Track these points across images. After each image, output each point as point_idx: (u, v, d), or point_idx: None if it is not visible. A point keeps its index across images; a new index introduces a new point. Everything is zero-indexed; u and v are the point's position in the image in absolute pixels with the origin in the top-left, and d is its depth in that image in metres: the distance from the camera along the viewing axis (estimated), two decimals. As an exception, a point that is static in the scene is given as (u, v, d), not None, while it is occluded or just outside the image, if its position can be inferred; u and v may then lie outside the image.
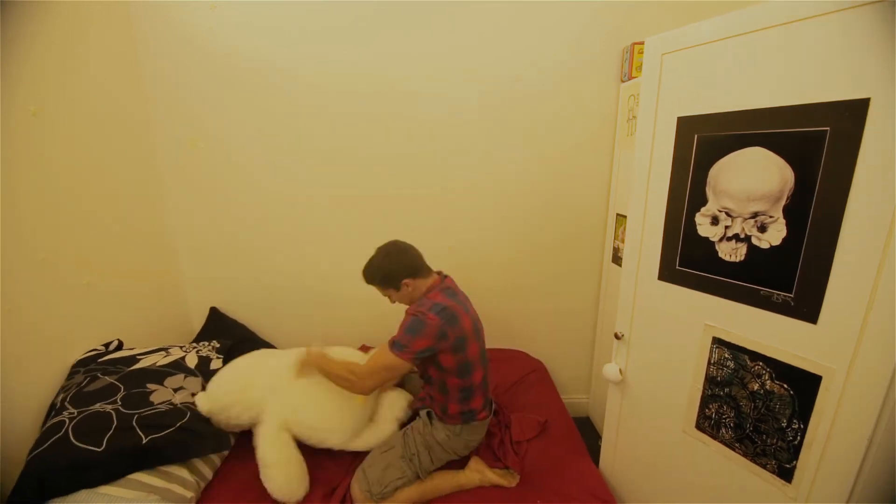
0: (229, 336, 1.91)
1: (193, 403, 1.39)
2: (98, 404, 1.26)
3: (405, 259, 1.45)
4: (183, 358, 1.58)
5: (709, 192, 1.14)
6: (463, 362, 1.39)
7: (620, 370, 1.49)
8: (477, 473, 1.45)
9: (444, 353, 1.36)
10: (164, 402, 1.34)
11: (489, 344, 2.20)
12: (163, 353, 1.58)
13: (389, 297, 1.50)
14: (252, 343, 2.05)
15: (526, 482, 1.44)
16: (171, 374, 1.47)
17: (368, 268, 1.47)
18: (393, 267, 1.43)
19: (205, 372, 1.58)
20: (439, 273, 1.54)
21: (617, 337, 1.48)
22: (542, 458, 1.53)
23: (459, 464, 1.50)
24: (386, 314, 2.14)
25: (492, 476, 1.44)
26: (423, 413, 1.51)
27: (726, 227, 1.12)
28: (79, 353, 1.46)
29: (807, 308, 1.00)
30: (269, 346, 2.10)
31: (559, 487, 1.41)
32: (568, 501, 1.35)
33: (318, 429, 1.45)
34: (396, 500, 1.35)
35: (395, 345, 1.33)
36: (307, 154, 1.95)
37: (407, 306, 1.45)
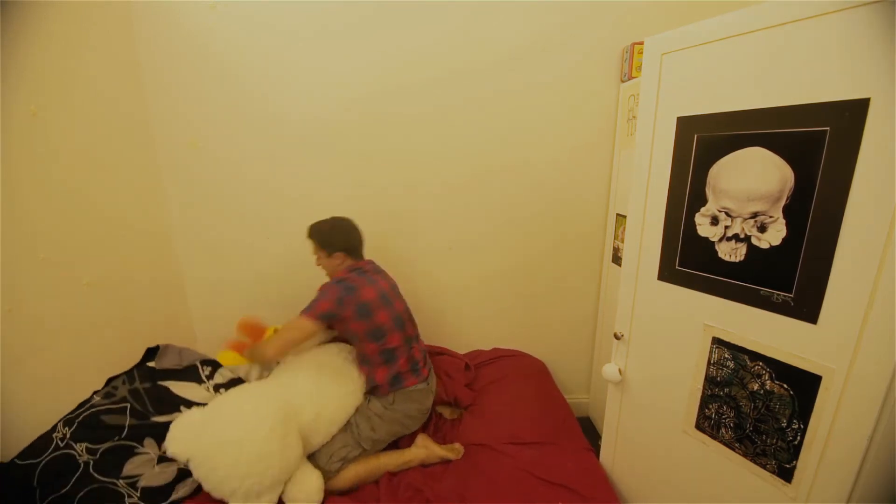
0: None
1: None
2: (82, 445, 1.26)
3: (349, 237, 1.68)
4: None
5: (708, 192, 1.14)
6: (373, 327, 1.57)
7: (620, 370, 1.49)
8: (423, 449, 1.59)
9: (349, 319, 1.55)
10: (132, 477, 1.27)
11: (489, 344, 2.23)
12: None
13: (317, 259, 1.70)
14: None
15: (531, 480, 1.44)
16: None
17: (317, 226, 1.68)
18: (336, 238, 1.66)
19: None
20: (368, 261, 1.76)
21: (616, 337, 1.48)
22: (547, 455, 1.53)
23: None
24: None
25: (438, 450, 1.58)
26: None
27: (726, 227, 1.12)
28: (80, 354, 1.46)
29: (807, 308, 1.00)
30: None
31: (566, 485, 1.41)
32: (581, 502, 1.35)
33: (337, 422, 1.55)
34: (345, 474, 1.48)
35: (304, 309, 1.53)
36: (307, 153, 1.95)
37: (327, 276, 1.70)
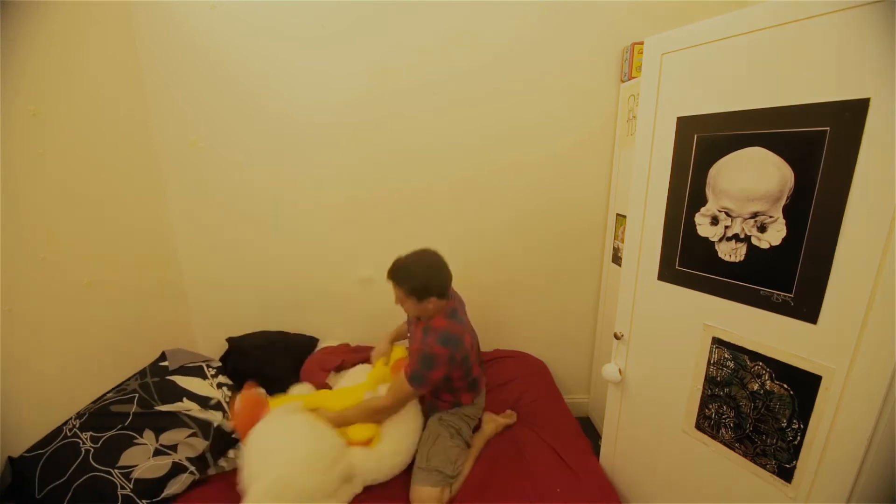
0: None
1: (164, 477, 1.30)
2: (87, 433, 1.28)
3: (443, 278, 1.46)
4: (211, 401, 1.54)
5: (708, 192, 1.14)
6: (467, 369, 1.53)
7: (620, 370, 1.49)
8: (492, 423, 1.68)
9: (453, 372, 1.48)
10: (127, 468, 1.26)
11: (490, 345, 2.23)
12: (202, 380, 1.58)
13: (401, 301, 1.47)
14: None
15: (531, 479, 1.44)
16: (177, 427, 1.38)
17: (405, 269, 1.43)
18: (432, 283, 1.42)
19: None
20: (452, 291, 1.58)
21: (616, 337, 1.48)
22: (546, 456, 1.53)
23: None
24: (387, 310, 2.15)
25: (500, 420, 1.70)
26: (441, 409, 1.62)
27: (726, 227, 1.12)
28: (80, 354, 1.47)
29: (806, 308, 1.00)
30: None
31: (565, 486, 1.40)
32: (578, 502, 1.35)
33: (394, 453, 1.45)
34: (464, 470, 1.48)
35: (413, 379, 1.40)
36: (307, 153, 1.95)
37: (408, 312, 1.54)
